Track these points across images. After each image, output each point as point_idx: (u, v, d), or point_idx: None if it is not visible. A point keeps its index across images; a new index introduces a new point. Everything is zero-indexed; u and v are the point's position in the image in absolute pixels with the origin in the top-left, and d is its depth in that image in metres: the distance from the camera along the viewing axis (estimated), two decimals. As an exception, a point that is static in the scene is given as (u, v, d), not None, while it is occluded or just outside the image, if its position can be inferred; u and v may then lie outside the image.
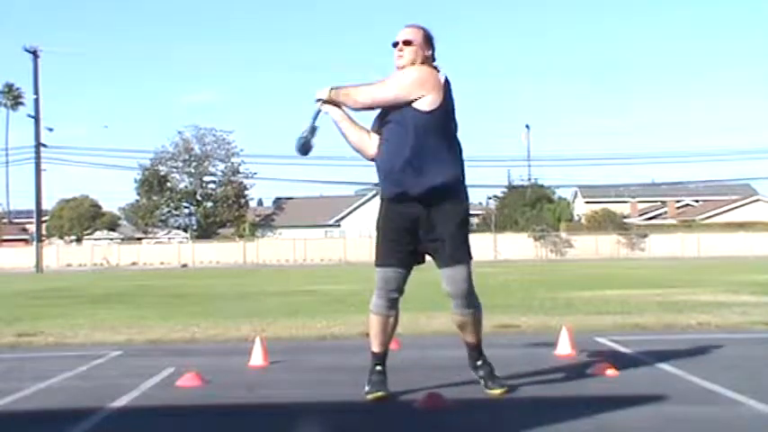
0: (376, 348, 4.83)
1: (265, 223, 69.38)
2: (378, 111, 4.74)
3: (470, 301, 4.81)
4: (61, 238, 69.24)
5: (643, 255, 53.02)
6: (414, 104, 4.53)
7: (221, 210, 67.58)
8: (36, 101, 50.51)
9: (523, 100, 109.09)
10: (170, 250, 59.81)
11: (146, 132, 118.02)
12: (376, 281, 4.74)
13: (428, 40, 4.75)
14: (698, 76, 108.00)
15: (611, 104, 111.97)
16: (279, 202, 72.31)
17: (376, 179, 4.81)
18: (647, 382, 4.95)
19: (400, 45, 4.68)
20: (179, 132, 68.02)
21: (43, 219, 57.25)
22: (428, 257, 4.84)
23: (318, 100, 4.77)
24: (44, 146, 50.84)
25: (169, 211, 69.07)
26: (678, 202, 70.80)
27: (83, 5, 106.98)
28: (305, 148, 4.80)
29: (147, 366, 5.93)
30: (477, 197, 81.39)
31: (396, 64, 4.70)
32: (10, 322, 9.86)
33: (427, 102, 4.52)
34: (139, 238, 68.50)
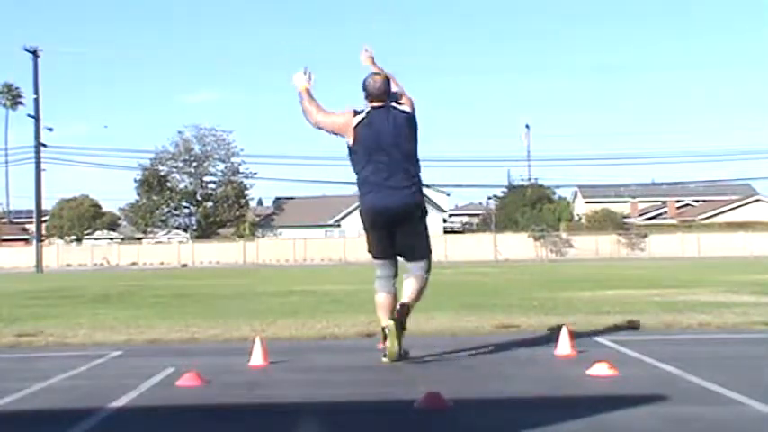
0: None
1: (265, 223, 69.37)
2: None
3: None
4: (61, 238, 69.24)
5: (643, 255, 53.03)
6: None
7: (221, 210, 67.56)
8: (36, 101, 50.56)
9: (523, 99, 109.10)
10: (170, 250, 59.85)
11: (146, 132, 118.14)
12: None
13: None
14: (698, 77, 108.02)
15: (612, 104, 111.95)
16: (279, 202, 72.30)
17: None
18: (647, 382, 4.95)
19: None
20: (179, 132, 68.08)
21: (43, 219, 57.25)
22: None
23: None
24: (44, 146, 50.92)
25: (169, 211, 69.04)
26: (678, 202, 70.82)
27: (83, 5, 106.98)
28: None
29: (147, 366, 5.92)
30: (477, 197, 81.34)
31: None
32: (10, 322, 9.85)
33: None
34: (139, 238, 68.48)
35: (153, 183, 66.79)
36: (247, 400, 4.74)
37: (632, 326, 7.75)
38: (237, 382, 5.28)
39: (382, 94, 5.99)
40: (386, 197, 5.91)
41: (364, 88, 6.05)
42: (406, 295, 5.97)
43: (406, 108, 6.03)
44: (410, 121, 6.02)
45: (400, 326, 5.84)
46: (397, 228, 5.95)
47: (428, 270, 6.09)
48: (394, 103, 6.02)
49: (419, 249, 6.04)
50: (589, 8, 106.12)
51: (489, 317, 8.88)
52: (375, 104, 6.01)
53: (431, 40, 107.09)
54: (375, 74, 6.08)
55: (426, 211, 6.15)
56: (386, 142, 5.90)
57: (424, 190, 6.26)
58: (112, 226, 75.76)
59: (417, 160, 6.08)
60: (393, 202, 5.89)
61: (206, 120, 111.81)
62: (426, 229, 6.17)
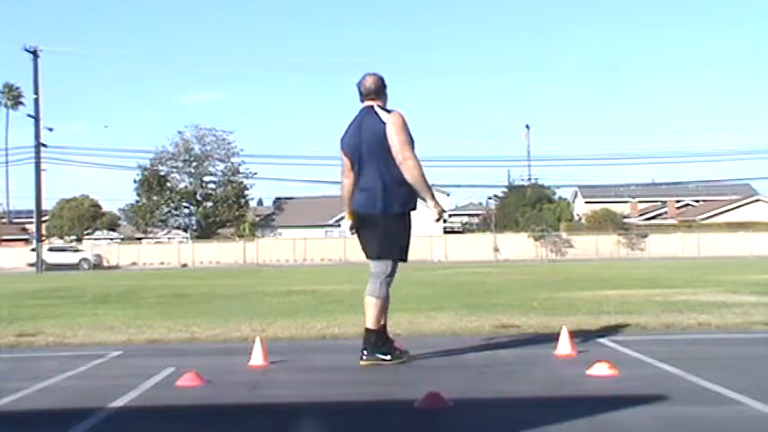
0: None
1: (265, 223, 69.34)
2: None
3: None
4: (61, 238, 69.21)
5: (643, 255, 53.02)
6: None
7: (221, 210, 67.53)
8: (36, 101, 50.58)
9: (523, 99, 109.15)
10: (170, 250, 59.80)
11: (146, 132, 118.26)
12: (394, 273, 5.95)
13: None
14: (698, 77, 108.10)
15: (611, 104, 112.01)
16: (279, 202, 72.27)
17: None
18: (647, 382, 4.95)
19: None
20: (179, 132, 68.09)
21: (43, 219, 57.23)
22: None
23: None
24: (44, 146, 50.92)
25: (169, 211, 69.02)
26: (678, 202, 70.82)
27: (83, 5, 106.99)
28: None
29: (147, 366, 5.92)
30: (477, 197, 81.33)
31: None
32: (10, 322, 9.86)
33: None
34: (139, 238, 68.45)
35: (153, 183, 66.76)
36: (247, 400, 4.74)
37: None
38: (237, 382, 5.28)
39: (370, 93, 6.04)
40: (356, 197, 6.03)
41: (357, 88, 6.11)
42: (367, 319, 5.88)
43: (385, 117, 5.89)
44: (384, 128, 5.85)
45: (370, 350, 5.82)
46: (363, 228, 6.02)
47: (386, 275, 5.90)
48: (377, 108, 5.98)
49: (372, 249, 6.00)
50: (589, 8, 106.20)
51: (489, 317, 8.88)
52: (365, 104, 6.08)
53: (431, 40, 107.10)
54: (368, 74, 6.09)
55: (394, 214, 5.90)
56: (362, 146, 5.92)
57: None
58: (112, 226, 75.73)
59: (395, 163, 5.84)
60: (356, 205, 6.01)
61: (206, 120, 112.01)
62: (388, 231, 5.90)
